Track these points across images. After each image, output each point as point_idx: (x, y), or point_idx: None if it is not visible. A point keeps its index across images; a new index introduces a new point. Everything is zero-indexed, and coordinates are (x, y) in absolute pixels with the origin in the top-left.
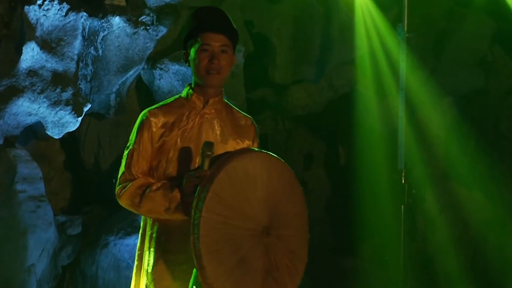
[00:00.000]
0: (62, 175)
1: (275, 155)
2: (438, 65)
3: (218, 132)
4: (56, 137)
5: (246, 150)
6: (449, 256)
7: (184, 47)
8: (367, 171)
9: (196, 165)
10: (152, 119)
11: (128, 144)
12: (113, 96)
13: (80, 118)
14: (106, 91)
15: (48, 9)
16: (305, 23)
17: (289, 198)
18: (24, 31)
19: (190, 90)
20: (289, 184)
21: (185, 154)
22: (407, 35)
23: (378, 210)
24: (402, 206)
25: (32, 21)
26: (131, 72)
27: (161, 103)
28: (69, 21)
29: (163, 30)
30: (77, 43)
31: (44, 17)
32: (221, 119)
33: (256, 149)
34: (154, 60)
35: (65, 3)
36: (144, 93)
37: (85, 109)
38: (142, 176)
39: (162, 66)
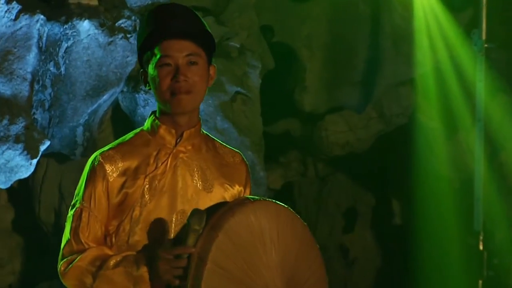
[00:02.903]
0: (10, 239)
1: (283, 204)
2: None
3: (198, 177)
4: (2, 187)
5: (246, 201)
6: None
7: (140, 63)
8: (432, 234)
9: (175, 229)
10: (107, 165)
11: (73, 201)
12: (80, 129)
13: (35, 161)
14: (70, 122)
15: None
16: (345, 29)
17: (306, 261)
18: None
19: (156, 121)
20: (304, 243)
21: (156, 212)
22: (486, 45)
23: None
24: (480, 281)
25: None
26: (105, 97)
27: (116, 142)
28: (20, 27)
29: None
30: (31, 57)
31: None
32: (201, 159)
33: (258, 198)
34: (136, 80)
35: (14, 2)
36: (123, 125)
37: (42, 147)
38: (95, 245)
39: (148, 89)
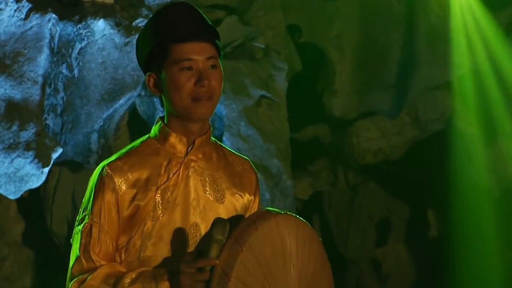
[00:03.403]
0: (20, 253)
1: (302, 219)
2: None
3: (210, 188)
4: (11, 197)
5: (268, 214)
6: None
7: (147, 67)
8: (470, 247)
9: (189, 242)
10: (116, 176)
11: (80, 216)
12: (94, 136)
13: (46, 169)
14: (84, 128)
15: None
16: (377, 29)
17: (320, 279)
18: None
19: (166, 128)
20: (319, 260)
21: (170, 226)
22: None
23: None
24: None
25: None
26: (121, 101)
27: (123, 151)
28: (31, 27)
29: None
30: (43, 59)
31: None
32: (212, 167)
33: (279, 211)
34: None
35: (24, 0)
36: (140, 131)
37: (54, 155)
38: (106, 262)
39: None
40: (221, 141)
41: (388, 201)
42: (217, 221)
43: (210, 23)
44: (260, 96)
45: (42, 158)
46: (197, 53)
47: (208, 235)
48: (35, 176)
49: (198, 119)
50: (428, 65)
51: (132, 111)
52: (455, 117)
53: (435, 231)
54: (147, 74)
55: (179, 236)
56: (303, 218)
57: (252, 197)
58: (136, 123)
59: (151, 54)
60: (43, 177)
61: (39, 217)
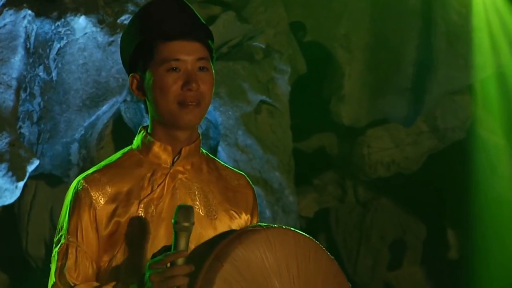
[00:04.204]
0: None
1: (303, 233)
2: None
3: (200, 202)
4: None
5: (257, 228)
6: None
7: (131, 67)
8: (494, 270)
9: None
10: (93, 190)
11: (57, 236)
12: (75, 146)
13: (21, 184)
14: (64, 138)
15: None
16: (390, 27)
17: None
18: None
19: (149, 137)
20: (330, 278)
21: (154, 244)
22: None
23: None
24: None
25: None
26: (104, 108)
27: (101, 164)
28: (4, 25)
29: None
30: (17, 61)
31: None
32: (202, 180)
33: (273, 225)
34: None
35: None
36: (126, 141)
37: (30, 168)
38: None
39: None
40: (216, 151)
41: (403, 218)
42: (179, 207)
43: (203, 21)
44: (259, 101)
45: (16, 171)
46: (186, 53)
47: (173, 226)
48: (8, 191)
49: (184, 127)
50: (447, 66)
51: (117, 118)
52: (477, 124)
53: (455, 252)
54: (130, 75)
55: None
56: None
57: (249, 215)
58: (122, 132)
59: (135, 52)
60: (18, 192)
61: (13, 237)
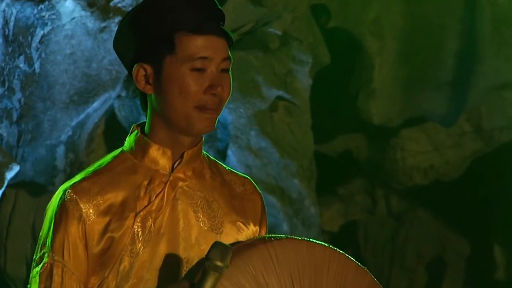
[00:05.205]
0: None
1: (324, 243)
2: None
3: (203, 213)
4: None
5: (255, 242)
6: None
7: (139, 56)
8: None
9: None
10: (82, 201)
11: (38, 254)
12: (61, 149)
13: None
14: (48, 140)
15: None
16: (427, 11)
17: None
18: None
19: (145, 138)
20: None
21: (153, 263)
22: None
23: None
24: None
25: None
26: (95, 105)
27: (90, 170)
28: None
29: None
30: None
31: None
32: (206, 188)
33: (283, 236)
34: None
35: None
36: (121, 143)
37: (9, 175)
38: None
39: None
40: (225, 155)
41: (442, 233)
42: (216, 244)
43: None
44: (276, 97)
45: None
46: (213, 50)
47: (203, 260)
48: None
49: (197, 133)
50: (493, 57)
51: (110, 117)
52: None
53: (502, 272)
54: (137, 64)
55: (165, 277)
56: None
57: (258, 226)
58: (115, 133)
59: (148, 41)
60: None
61: None
